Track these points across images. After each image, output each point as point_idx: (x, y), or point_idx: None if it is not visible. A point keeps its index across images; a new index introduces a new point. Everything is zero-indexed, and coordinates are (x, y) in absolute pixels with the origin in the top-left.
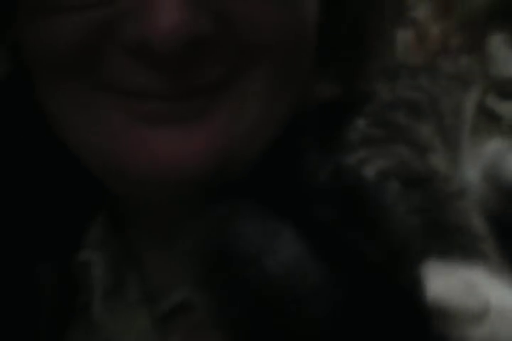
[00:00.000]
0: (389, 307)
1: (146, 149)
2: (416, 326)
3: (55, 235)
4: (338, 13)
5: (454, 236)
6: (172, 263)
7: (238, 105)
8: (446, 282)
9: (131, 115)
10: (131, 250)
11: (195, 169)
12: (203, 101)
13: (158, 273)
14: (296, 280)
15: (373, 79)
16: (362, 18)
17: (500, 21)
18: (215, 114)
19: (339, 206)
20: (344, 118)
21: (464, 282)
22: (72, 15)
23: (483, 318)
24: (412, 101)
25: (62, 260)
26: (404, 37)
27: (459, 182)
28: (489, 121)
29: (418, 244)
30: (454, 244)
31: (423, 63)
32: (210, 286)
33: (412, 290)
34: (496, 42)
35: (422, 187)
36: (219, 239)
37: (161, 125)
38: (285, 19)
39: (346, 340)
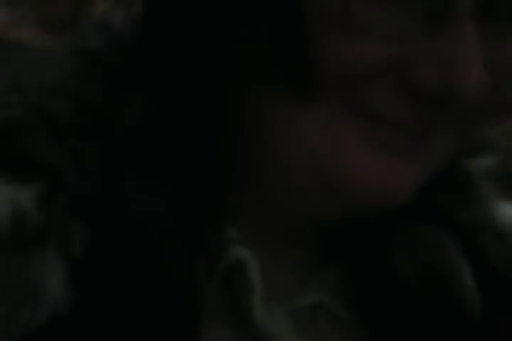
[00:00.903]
0: None
1: (369, 174)
2: None
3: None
4: None
5: None
6: (295, 265)
7: (440, 149)
8: None
9: (364, 140)
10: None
11: (394, 199)
12: (428, 141)
13: (280, 272)
14: None
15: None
16: None
17: None
18: (423, 153)
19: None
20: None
21: None
22: (372, 47)
23: None
24: None
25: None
26: None
27: None
28: None
29: None
30: None
31: None
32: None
33: None
34: None
35: None
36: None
37: (387, 154)
38: None
39: None
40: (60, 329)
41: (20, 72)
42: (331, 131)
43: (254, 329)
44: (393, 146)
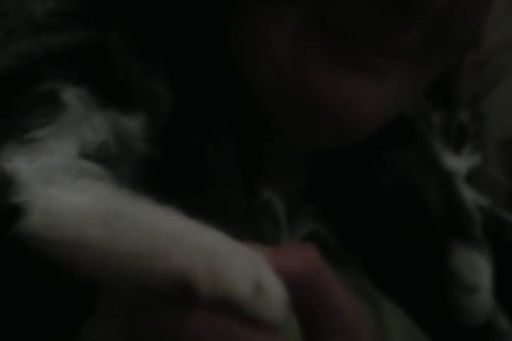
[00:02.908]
0: None
1: (339, 91)
2: None
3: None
4: None
5: None
6: (295, 199)
7: (408, 73)
8: None
9: (331, 56)
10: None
11: (369, 120)
12: (396, 61)
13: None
14: None
15: None
16: None
17: None
18: (393, 76)
19: None
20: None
21: None
22: None
23: None
24: None
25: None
26: None
27: None
28: None
29: None
30: None
31: None
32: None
33: None
34: None
35: None
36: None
37: (354, 71)
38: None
39: None
40: None
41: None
42: (298, 44)
43: None
44: (357, 62)
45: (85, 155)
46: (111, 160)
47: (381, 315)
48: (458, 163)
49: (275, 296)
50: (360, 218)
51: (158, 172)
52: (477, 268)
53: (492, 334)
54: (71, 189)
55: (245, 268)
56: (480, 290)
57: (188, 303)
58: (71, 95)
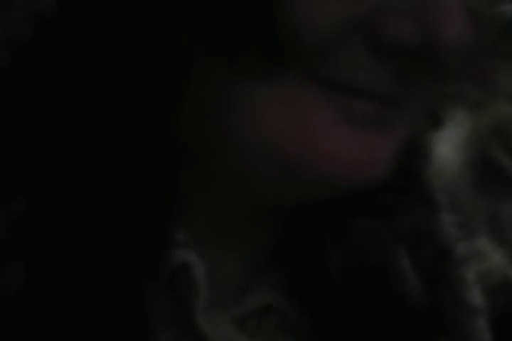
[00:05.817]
0: None
1: (344, 152)
2: None
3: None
4: None
5: None
6: (241, 266)
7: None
8: None
9: (337, 117)
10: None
11: (372, 177)
12: (400, 112)
13: (225, 275)
14: None
15: None
16: None
17: None
18: (398, 125)
19: None
20: None
21: None
22: (337, 4)
23: None
24: None
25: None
26: None
27: None
28: None
29: None
30: None
31: None
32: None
33: None
34: None
35: None
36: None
37: (361, 128)
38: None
39: None
40: None
41: None
42: (298, 109)
43: (198, 336)
44: (369, 119)
45: None
46: None
47: None
48: None
49: None
50: (317, 290)
51: None
52: None
53: None
54: None
55: None
56: None
57: None
58: None
